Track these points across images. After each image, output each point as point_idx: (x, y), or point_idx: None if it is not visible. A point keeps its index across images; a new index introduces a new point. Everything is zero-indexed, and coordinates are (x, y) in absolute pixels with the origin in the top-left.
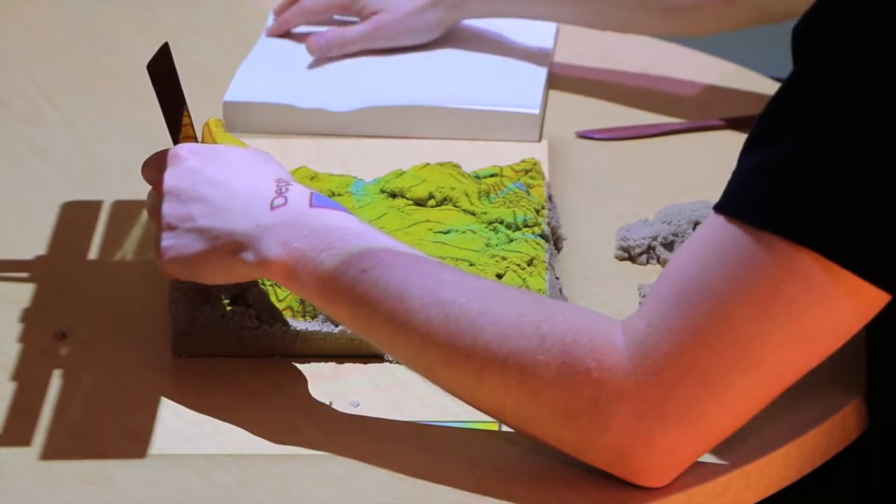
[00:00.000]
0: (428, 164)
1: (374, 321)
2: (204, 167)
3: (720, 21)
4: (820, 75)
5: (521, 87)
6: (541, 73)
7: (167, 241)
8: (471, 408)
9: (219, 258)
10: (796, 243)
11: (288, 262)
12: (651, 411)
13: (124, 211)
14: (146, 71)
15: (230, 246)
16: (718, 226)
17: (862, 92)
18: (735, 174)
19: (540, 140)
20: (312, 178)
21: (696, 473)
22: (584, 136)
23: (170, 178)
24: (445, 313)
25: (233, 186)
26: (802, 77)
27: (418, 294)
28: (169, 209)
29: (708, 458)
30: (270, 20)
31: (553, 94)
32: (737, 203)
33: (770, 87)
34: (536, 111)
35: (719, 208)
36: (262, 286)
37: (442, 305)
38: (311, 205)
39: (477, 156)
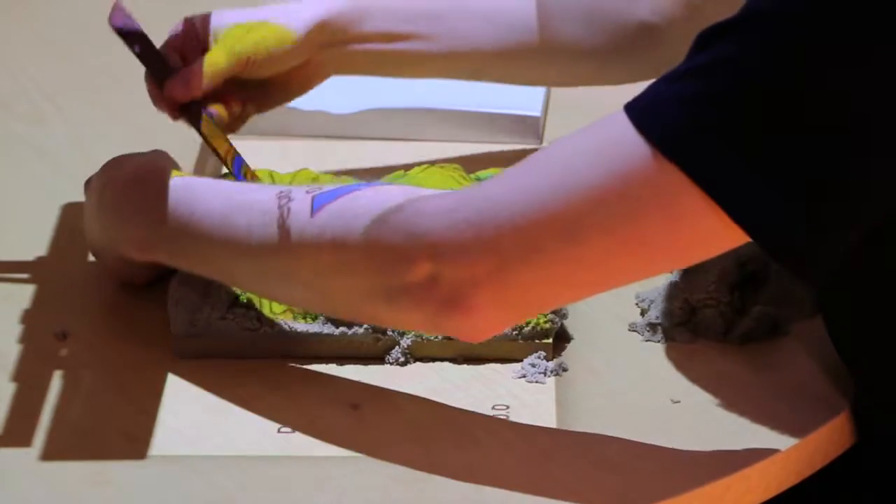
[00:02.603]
0: (429, 166)
1: (215, 251)
2: None
3: (653, 66)
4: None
5: (523, 89)
6: None
7: None
8: (469, 406)
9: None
10: (663, 153)
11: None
12: (459, 249)
13: None
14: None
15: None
16: (614, 116)
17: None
18: (655, 81)
19: (541, 142)
20: (314, 181)
21: (696, 476)
22: None
23: None
24: (263, 209)
25: None
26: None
27: (238, 209)
28: None
29: (709, 459)
30: None
31: (554, 95)
32: (633, 104)
33: None
34: (538, 113)
35: (626, 104)
36: None
37: (253, 206)
38: None
39: (478, 158)
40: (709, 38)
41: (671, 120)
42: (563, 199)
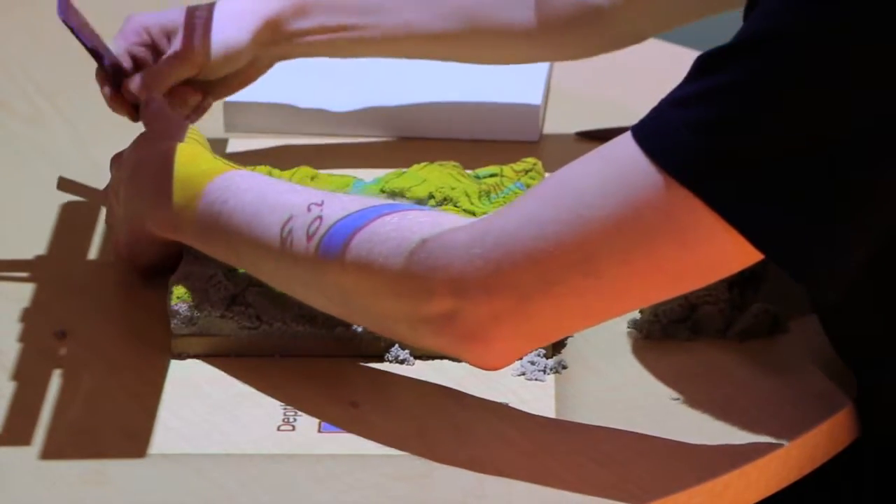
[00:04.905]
0: (428, 163)
1: (243, 246)
2: None
3: (588, 46)
4: (759, 42)
5: (522, 81)
6: (542, 68)
7: None
8: (469, 404)
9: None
10: (677, 180)
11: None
12: (479, 286)
13: None
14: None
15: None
16: (622, 142)
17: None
18: (658, 104)
19: (540, 138)
20: (312, 178)
21: (696, 473)
22: (583, 135)
23: None
24: (291, 214)
25: None
26: (744, 36)
27: (269, 208)
28: None
29: (709, 455)
30: None
31: (553, 93)
32: (641, 130)
33: None
34: (537, 103)
35: (633, 130)
36: (261, 286)
37: (288, 209)
38: None
39: (477, 156)
40: (712, 61)
41: (683, 146)
42: (578, 231)
